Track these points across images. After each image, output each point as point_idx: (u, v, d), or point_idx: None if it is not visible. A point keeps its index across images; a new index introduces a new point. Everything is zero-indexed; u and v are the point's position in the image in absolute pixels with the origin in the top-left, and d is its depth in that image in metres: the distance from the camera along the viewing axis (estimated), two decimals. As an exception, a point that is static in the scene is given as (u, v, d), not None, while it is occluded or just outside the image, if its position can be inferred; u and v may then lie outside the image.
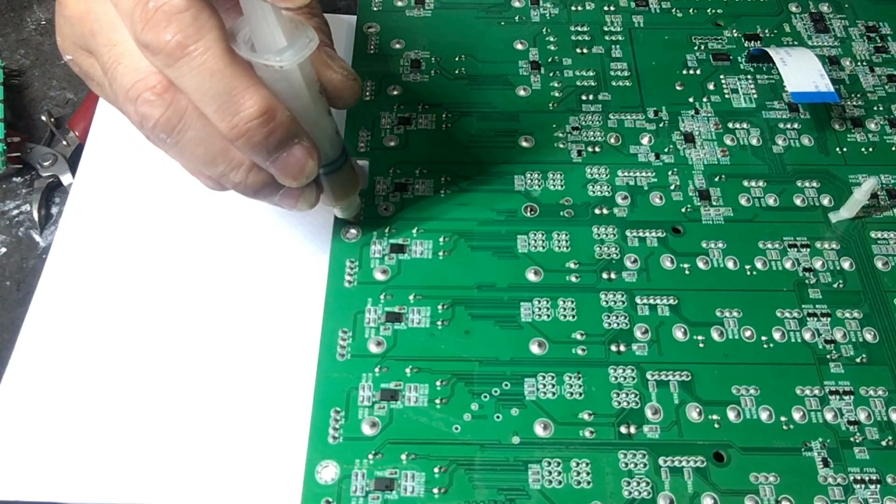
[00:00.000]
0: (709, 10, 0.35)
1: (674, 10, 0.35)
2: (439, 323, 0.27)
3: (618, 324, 0.27)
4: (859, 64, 0.34)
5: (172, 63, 0.20)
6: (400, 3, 0.35)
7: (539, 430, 0.25)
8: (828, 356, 0.26)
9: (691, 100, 0.32)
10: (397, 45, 0.34)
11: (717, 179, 0.30)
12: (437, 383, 0.25)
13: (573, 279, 0.28)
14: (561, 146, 0.31)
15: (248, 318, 0.27)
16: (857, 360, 0.26)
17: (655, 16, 0.35)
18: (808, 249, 0.29)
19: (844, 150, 0.31)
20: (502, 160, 0.30)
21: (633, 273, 0.28)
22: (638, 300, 0.27)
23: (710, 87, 0.33)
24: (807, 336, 0.27)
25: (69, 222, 0.29)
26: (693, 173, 0.30)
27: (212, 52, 0.20)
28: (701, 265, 0.28)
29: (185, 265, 0.28)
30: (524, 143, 0.31)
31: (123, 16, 0.20)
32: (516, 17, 0.35)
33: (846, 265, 0.28)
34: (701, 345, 0.26)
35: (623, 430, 0.25)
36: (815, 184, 0.30)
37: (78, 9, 0.22)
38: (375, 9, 0.35)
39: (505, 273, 0.28)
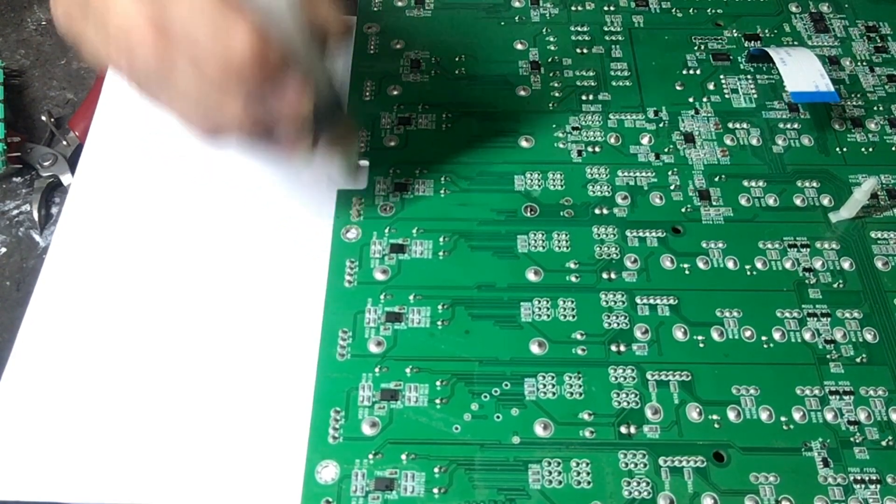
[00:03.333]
0: (709, 10, 0.35)
1: (674, 10, 0.35)
2: (439, 323, 0.27)
3: (618, 324, 0.27)
4: (859, 64, 0.34)
5: (161, 1, 0.20)
6: (400, 3, 0.35)
7: (539, 430, 0.25)
8: (828, 356, 0.26)
9: (691, 100, 0.32)
10: (397, 45, 0.34)
11: (717, 179, 0.30)
12: (437, 383, 0.25)
13: (573, 279, 0.28)
14: (561, 146, 0.31)
15: (248, 319, 0.27)
16: (857, 360, 0.26)
17: (655, 16, 0.35)
18: (808, 249, 0.28)
19: (844, 150, 0.31)
20: (502, 160, 0.30)
21: (633, 273, 0.28)
22: (638, 300, 0.27)
23: (710, 87, 0.33)
24: (807, 336, 0.27)
25: (68, 222, 0.29)
26: (693, 173, 0.30)
27: None
28: (701, 265, 0.28)
29: (185, 265, 0.28)
30: (524, 143, 0.31)
31: None
32: (516, 17, 0.35)
33: (846, 265, 0.28)
34: (701, 345, 0.26)
35: (623, 430, 0.25)
36: (815, 184, 0.30)
37: None
38: (375, 9, 0.35)
39: (505, 273, 0.28)
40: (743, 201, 0.30)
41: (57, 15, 0.24)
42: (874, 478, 0.24)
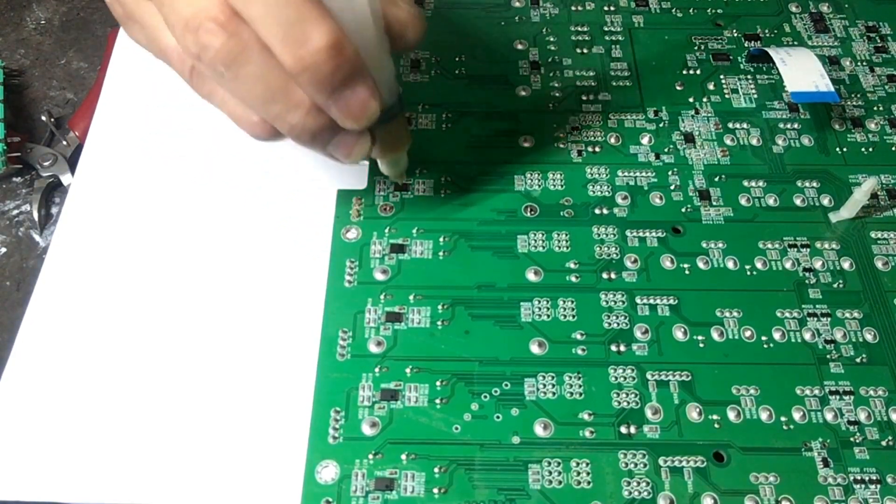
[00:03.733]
0: (709, 10, 0.35)
1: (674, 10, 0.35)
2: (439, 323, 0.27)
3: (618, 324, 0.27)
4: (859, 64, 0.34)
5: None
6: (400, 3, 0.35)
7: (539, 430, 0.25)
8: (828, 356, 0.26)
9: (691, 100, 0.32)
10: (397, 45, 0.34)
11: (717, 179, 0.30)
12: (437, 383, 0.25)
13: (573, 279, 0.28)
14: (561, 146, 0.31)
15: (248, 319, 0.27)
16: (857, 360, 0.26)
17: (655, 16, 0.35)
18: (808, 249, 0.29)
19: (844, 150, 0.31)
20: (502, 160, 0.30)
21: (633, 273, 0.28)
22: (638, 300, 0.27)
23: (710, 87, 0.33)
24: (807, 336, 0.27)
25: (68, 222, 0.29)
26: (693, 173, 0.30)
27: None
28: (701, 265, 0.28)
29: (185, 265, 0.28)
30: (524, 143, 0.31)
31: None
32: (516, 17, 0.35)
33: (846, 265, 0.28)
34: (701, 345, 0.26)
35: (623, 430, 0.25)
36: (815, 184, 0.30)
37: None
38: None
39: (505, 273, 0.28)
40: (743, 201, 0.30)
41: (110, 3, 0.23)
42: (874, 478, 0.24)
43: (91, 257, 0.28)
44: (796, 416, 0.25)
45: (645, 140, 0.31)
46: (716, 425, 0.25)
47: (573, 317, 0.27)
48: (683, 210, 0.29)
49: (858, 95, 0.33)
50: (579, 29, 0.35)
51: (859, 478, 0.24)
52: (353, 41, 0.21)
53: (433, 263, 0.28)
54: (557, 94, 0.32)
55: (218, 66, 0.21)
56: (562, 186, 0.30)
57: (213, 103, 0.23)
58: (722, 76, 0.33)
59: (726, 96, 0.33)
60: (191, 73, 0.23)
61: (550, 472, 0.24)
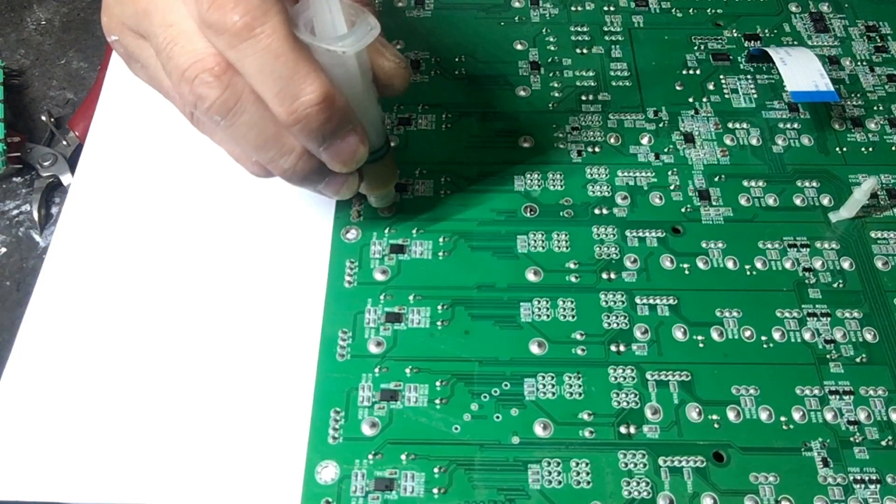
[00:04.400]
0: (709, 10, 0.35)
1: (674, 10, 0.35)
2: (439, 323, 0.27)
3: (617, 324, 0.27)
4: (859, 64, 0.34)
5: (236, 44, 0.20)
6: (400, 4, 0.35)
7: (539, 430, 0.25)
8: (828, 356, 0.26)
9: (691, 100, 0.32)
10: (397, 46, 0.34)
11: (716, 179, 0.30)
12: (437, 383, 0.25)
13: (573, 279, 0.28)
14: (561, 146, 0.31)
15: (248, 319, 0.27)
16: (857, 360, 0.26)
17: (655, 16, 0.35)
18: (808, 249, 0.28)
19: (844, 149, 0.31)
20: (502, 160, 0.30)
21: (632, 273, 0.28)
22: (638, 300, 0.27)
23: (710, 87, 0.33)
24: (807, 336, 0.27)
25: (68, 222, 0.29)
26: (693, 173, 0.30)
27: (277, 34, 0.20)
28: (701, 265, 0.28)
29: (185, 265, 0.28)
30: (524, 144, 0.31)
31: None
32: (516, 17, 0.35)
33: (846, 265, 0.28)
34: (701, 345, 0.26)
35: (623, 430, 0.25)
36: (815, 184, 0.30)
37: None
38: (376, 9, 0.35)
39: (505, 273, 0.28)
40: (743, 201, 0.30)
41: (107, 27, 0.23)
42: (874, 478, 0.24)
43: (91, 257, 0.28)
44: (796, 416, 0.25)
45: (645, 140, 0.31)
46: (715, 425, 0.25)
47: (573, 317, 0.27)
48: (683, 210, 0.29)
49: (858, 95, 0.33)
50: (579, 29, 0.35)
51: (859, 478, 0.24)
52: (343, 92, 0.22)
53: (433, 264, 0.28)
54: (557, 95, 0.32)
55: (213, 116, 0.21)
56: (562, 186, 0.30)
57: (213, 141, 0.24)
58: (722, 76, 0.33)
59: (726, 96, 0.33)
60: (190, 116, 0.23)
61: (550, 473, 0.24)
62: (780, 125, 0.32)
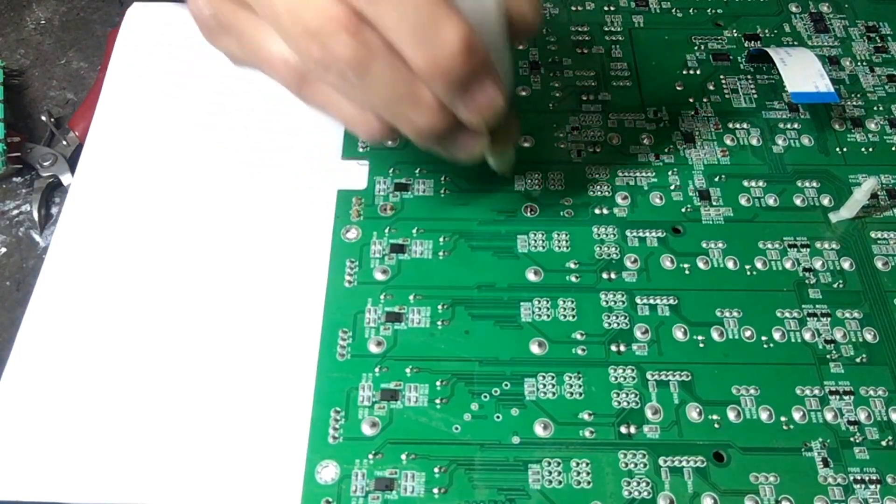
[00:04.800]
0: (709, 10, 0.35)
1: (674, 10, 0.35)
2: (439, 323, 0.27)
3: (618, 324, 0.27)
4: (859, 64, 0.34)
5: None
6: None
7: (539, 430, 0.25)
8: (828, 356, 0.26)
9: (691, 100, 0.32)
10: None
11: (717, 179, 0.30)
12: (437, 383, 0.25)
13: (573, 279, 0.28)
14: (561, 146, 0.31)
15: (248, 319, 0.27)
16: (857, 360, 0.26)
17: (655, 16, 0.35)
18: (808, 249, 0.28)
19: (844, 150, 0.31)
20: (502, 160, 0.30)
21: (633, 273, 0.28)
22: (638, 300, 0.27)
23: (710, 87, 0.33)
24: (807, 336, 0.27)
25: (68, 222, 0.29)
26: (693, 173, 0.30)
27: None
28: (701, 265, 0.28)
29: (185, 265, 0.28)
30: (524, 143, 0.31)
31: None
32: (516, 17, 0.35)
33: (846, 265, 0.28)
34: (701, 345, 0.26)
35: (623, 430, 0.25)
36: (815, 184, 0.30)
37: None
38: None
39: (505, 273, 0.28)
40: (743, 201, 0.30)
41: (200, 8, 0.23)
42: (874, 478, 0.24)
43: (91, 257, 0.28)
44: (796, 416, 0.25)
45: (645, 140, 0.31)
46: (716, 425, 0.25)
47: (573, 317, 0.27)
48: (683, 210, 0.29)
49: (858, 95, 0.33)
50: (579, 29, 0.35)
51: (859, 478, 0.24)
52: (481, 37, 0.21)
53: (433, 263, 0.28)
54: (557, 94, 0.32)
55: (347, 73, 0.20)
56: (562, 186, 0.30)
57: (325, 111, 0.23)
58: (722, 76, 0.33)
59: (726, 96, 0.33)
60: (299, 82, 0.22)
61: (550, 472, 0.24)
62: (780, 125, 0.32)
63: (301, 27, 0.20)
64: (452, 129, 0.23)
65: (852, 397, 0.25)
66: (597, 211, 0.29)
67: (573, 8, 0.35)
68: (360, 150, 0.31)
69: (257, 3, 0.21)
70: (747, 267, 0.28)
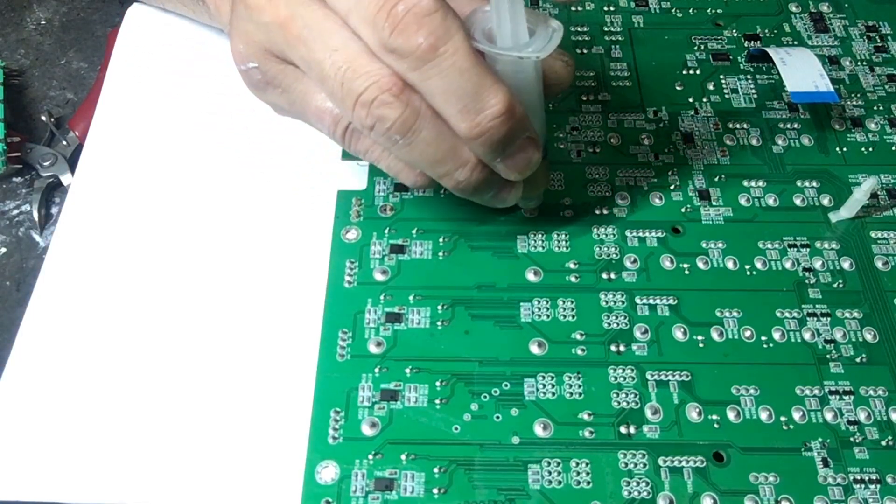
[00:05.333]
0: (709, 10, 0.35)
1: (674, 10, 0.35)
2: (439, 323, 0.27)
3: (617, 324, 0.27)
4: (859, 64, 0.34)
5: (421, 65, 0.20)
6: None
7: (539, 430, 0.25)
8: (828, 356, 0.26)
9: (691, 100, 0.32)
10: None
11: (716, 179, 0.30)
12: (437, 383, 0.25)
13: (573, 279, 0.28)
14: (561, 146, 0.31)
15: (248, 319, 0.27)
16: (857, 360, 0.26)
17: (655, 16, 0.35)
18: (808, 249, 0.28)
19: (844, 149, 0.31)
20: (502, 160, 0.30)
21: (632, 273, 0.28)
22: (638, 300, 0.27)
23: (710, 87, 0.33)
24: (807, 336, 0.27)
25: (68, 222, 0.29)
26: (693, 173, 0.30)
27: (460, 52, 0.20)
28: (701, 265, 0.28)
29: (185, 265, 0.28)
30: (524, 143, 0.31)
31: (360, 22, 0.20)
32: (516, 17, 0.35)
33: (846, 265, 0.28)
34: (701, 345, 0.26)
35: (623, 430, 0.25)
36: (815, 184, 0.30)
37: (279, 14, 0.22)
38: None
39: (505, 273, 0.28)
40: (743, 201, 0.30)
41: (243, 54, 0.23)
42: (874, 478, 0.24)
43: (91, 257, 0.28)
44: (796, 416, 0.25)
45: (645, 140, 0.31)
46: (715, 425, 0.25)
47: (573, 317, 0.27)
48: (683, 210, 0.29)
49: (858, 95, 0.33)
50: (579, 29, 0.35)
51: (859, 478, 0.24)
52: (521, 99, 0.22)
53: (433, 264, 0.28)
54: (557, 94, 0.32)
55: (393, 136, 0.21)
56: (562, 186, 0.30)
57: (366, 159, 0.25)
58: (722, 76, 0.33)
59: (726, 96, 0.33)
60: (343, 134, 0.24)
61: (550, 473, 0.24)
62: (780, 125, 0.32)
63: (349, 91, 0.21)
64: (492, 181, 0.24)
65: (852, 397, 0.25)
66: (597, 211, 0.29)
67: (573, 8, 0.35)
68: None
69: (305, 65, 0.22)
70: (747, 267, 0.28)
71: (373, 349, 0.26)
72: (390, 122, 0.21)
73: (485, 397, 0.25)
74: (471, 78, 0.20)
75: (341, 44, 0.21)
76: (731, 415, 0.25)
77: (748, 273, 0.28)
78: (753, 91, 0.33)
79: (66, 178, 0.33)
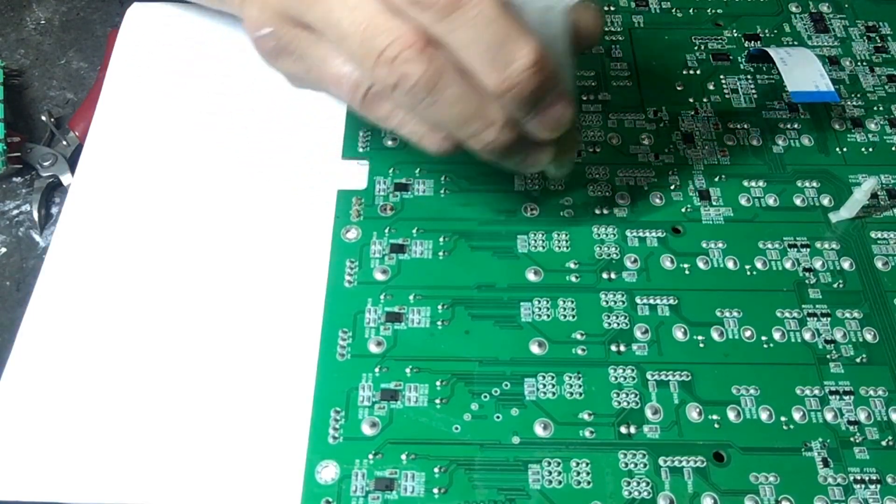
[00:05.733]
0: (709, 10, 0.35)
1: (674, 10, 0.35)
2: (439, 323, 0.27)
3: (618, 324, 0.27)
4: (859, 64, 0.34)
5: (445, 17, 0.19)
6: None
7: (539, 430, 0.25)
8: (828, 356, 0.26)
9: (691, 100, 0.32)
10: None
11: (717, 179, 0.30)
12: (437, 383, 0.25)
13: (573, 279, 0.28)
14: (561, 146, 0.31)
15: (248, 319, 0.27)
16: (857, 360, 0.26)
17: (655, 16, 0.35)
18: (808, 249, 0.28)
19: (844, 150, 0.31)
20: (502, 160, 0.30)
21: (633, 273, 0.28)
22: (638, 300, 0.27)
23: (710, 87, 0.33)
24: (807, 336, 0.27)
25: (68, 222, 0.29)
26: (693, 173, 0.30)
27: (487, 0, 0.19)
28: (701, 265, 0.28)
29: (185, 265, 0.28)
30: (524, 143, 0.31)
31: None
32: (516, 17, 0.35)
33: (846, 265, 0.28)
34: (701, 345, 0.26)
35: (623, 430, 0.25)
36: (815, 184, 0.30)
37: None
38: None
39: (505, 273, 0.28)
40: (743, 201, 0.30)
41: (258, 20, 0.23)
42: (874, 478, 0.24)
43: (91, 257, 0.28)
44: (796, 416, 0.25)
45: (645, 140, 0.31)
46: (716, 425, 0.25)
47: (573, 317, 0.27)
48: (683, 210, 0.29)
49: (858, 95, 0.33)
50: (579, 29, 0.35)
51: (859, 478, 0.24)
52: (548, 52, 0.21)
53: (433, 263, 0.28)
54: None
55: (417, 93, 0.21)
56: (562, 187, 0.30)
57: (388, 126, 0.23)
58: (722, 76, 0.33)
59: (726, 96, 0.33)
60: (363, 98, 0.22)
61: (550, 472, 0.24)
62: (780, 125, 0.32)
63: (370, 49, 0.20)
64: (521, 143, 0.23)
65: (852, 397, 0.25)
66: (597, 211, 0.29)
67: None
68: (360, 150, 0.31)
69: (322, 25, 0.21)
70: (747, 267, 0.28)
71: (373, 349, 0.26)
72: (414, 79, 0.20)
73: (485, 397, 0.25)
74: (498, 28, 0.19)
75: (359, 2, 0.20)
76: (731, 415, 0.25)
77: (748, 273, 0.28)
78: (753, 91, 0.33)
79: (66, 178, 0.33)
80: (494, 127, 0.22)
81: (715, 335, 0.27)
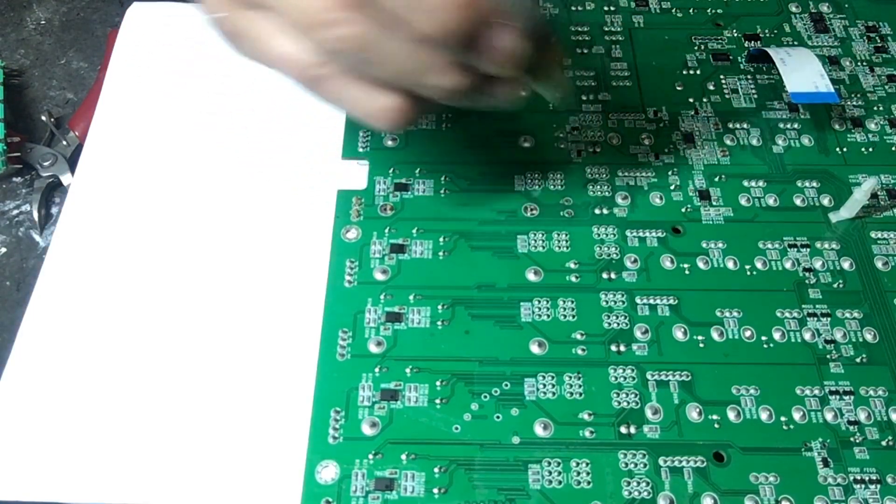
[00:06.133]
0: (709, 10, 0.35)
1: (674, 10, 0.35)
2: (439, 323, 0.27)
3: (618, 324, 0.27)
4: (859, 64, 0.34)
5: None
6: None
7: (539, 430, 0.25)
8: (828, 356, 0.26)
9: (691, 100, 0.32)
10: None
11: (717, 179, 0.30)
12: (437, 383, 0.25)
13: (573, 279, 0.28)
14: (561, 146, 0.31)
15: (248, 319, 0.27)
16: (857, 360, 0.26)
17: (655, 16, 0.35)
18: (808, 249, 0.28)
19: (844, 150, 0.31)
20: (502, 160, 0.30)
21: (633, 273, 0.28)
22: (638, 300, 0.27)
23: (710, 87, 0.33)
24: (807, 336, 0.27)
25: (68, 222, 0.29)
26: (693, 173, 0.30)
27: None
28: (701, 265, 0.28)
29: (184, 265, 0.28)
30: (524, 143, 0.31)
31: None
32: (516, 17, 0.35)
33: (846, 265, 0.28)
34: (701, 345, 0.26)
35: (623, 430, 0.25)
36: (815, 184, 0.30)
37: None
38: None
39: (505, 273, 0.28)
40: (743, 201, 0.30)
41: (210, 4, 0.22)
42: (874, 478, 0.24)
43: (91, 257, 0.28)
44: (796, 416, 0.25)
45: (645, 140, 0.31)
46: (716, 425, 0.25)
47: (573, 317, 0.27)
48: (683, 210, 0.29)
49: (858, 95, 0.33)
50: (579, 29, 0.35)
51: (859, 478, 0.24)
52: None
53: (433, 263, 0.28)
54: (557, 94, 0.32)
55: (360, 53, 0.20)
56: (562, 186, 0.30)
57: (342, 105, 0.23)
58: (722, 76, 0.33)
59: (726, 96, 0.33)
60: (313, 78, 0.22)
61: (550, 472, 0.24)
62: (780, 125, 0.32)
63: (305, 17, 0.20)
64: (483, 81, 0.22)
65: (852, 397, 0.25)
66: (597, 211, 0.29)
67: (573, 8, 0.35)
68: (360, 150, 0.31)
69: (267, 3, 0.21)
70: (747, 267, 0.28)
71: (373, 349, 0.26)
72: (352, 38, 0.20)
73: (485, 397, 0.25)
74: None
75: None
76: (731, 415, 0.25)
77: (748, 273, 0.28)
78: (753, 91, 0.33)
79: (66, 178, 0.33)
80: (447, 72, 0.21)
81: (715, 335, 0.27)
